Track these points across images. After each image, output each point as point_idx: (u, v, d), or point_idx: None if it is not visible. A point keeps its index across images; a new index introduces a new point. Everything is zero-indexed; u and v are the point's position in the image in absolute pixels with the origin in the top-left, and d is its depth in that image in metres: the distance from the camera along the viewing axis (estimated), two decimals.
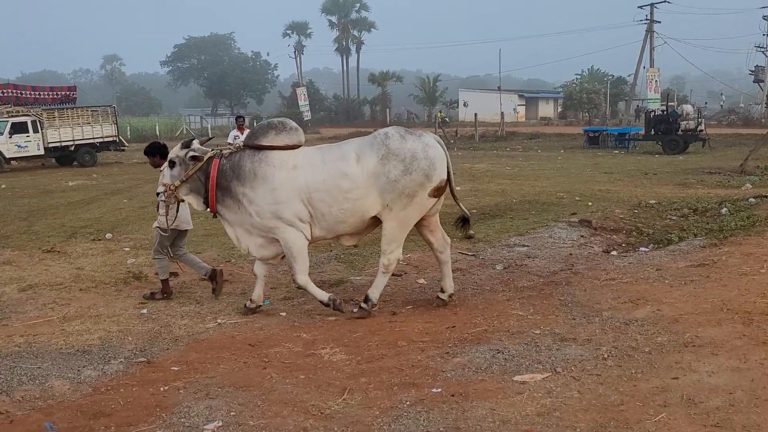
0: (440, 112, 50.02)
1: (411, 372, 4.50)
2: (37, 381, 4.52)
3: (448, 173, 5.77)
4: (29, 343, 5.31)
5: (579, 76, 57.56)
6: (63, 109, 26.18)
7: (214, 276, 6.64)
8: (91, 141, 25.49)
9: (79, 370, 4.71)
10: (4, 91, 27.78)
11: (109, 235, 9.93)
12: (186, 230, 6.90)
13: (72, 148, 24.94)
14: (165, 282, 6.65)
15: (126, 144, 29.03)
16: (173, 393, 4.31)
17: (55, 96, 29.31)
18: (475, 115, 37.27)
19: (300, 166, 5.66)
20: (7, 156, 23.07)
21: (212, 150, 6.04)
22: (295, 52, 65.92)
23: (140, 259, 8.32)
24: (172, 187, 6.02)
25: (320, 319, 5.86)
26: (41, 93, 29.12)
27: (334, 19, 68.57)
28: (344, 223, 5.76)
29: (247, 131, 13.45)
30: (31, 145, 23.69)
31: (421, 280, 7.10)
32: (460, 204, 6.30)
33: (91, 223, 11.19)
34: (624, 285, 6.13)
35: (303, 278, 5.92)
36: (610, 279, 6.46)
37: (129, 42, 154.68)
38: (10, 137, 23.07)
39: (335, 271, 7.61)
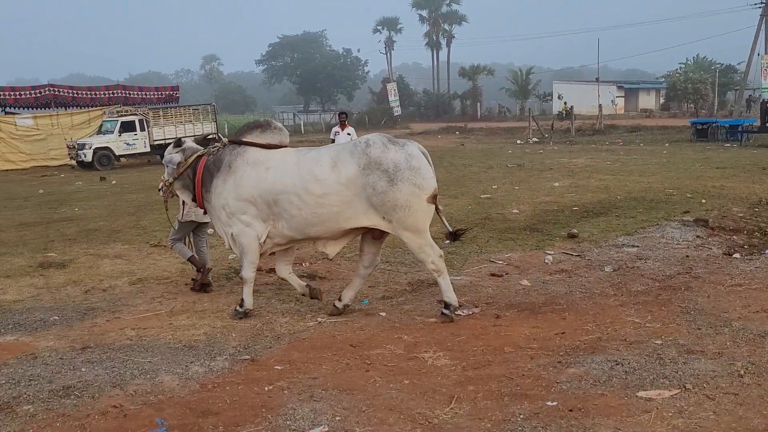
0: (565, 103, 48.35)
1: (522, 382, 4.25)
2: (148, 375, 4.61)
3: None
4: (140, 337, 5.45)
5: (683, 65, 54.48)
6: (167, 108, 27.43)
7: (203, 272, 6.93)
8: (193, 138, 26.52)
9: (186, 366, 4.77)
10: (114, 91, 29.50)
11: (211, 231, 10.17)
12: (205, 222, 7.02)
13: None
14: (192, 258, 6.99)
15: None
16: (278, 393, 4.27)
17: (160, 96, 30.82)
18: (572, 107, 35.99)
19: (273, 167, 5.67)
20: (117, 153, 24.42)
21: (210, 147, 6.16)
22: (385, 47, 66.23)
23: None
24: (167, 183, 6.31)
25: (421, 321, 5.69)
26: (147, 93, 30.70)
27: (424, 13, 68.29)
28: (316, 227, 5.66)
29: (348, 128, 13.55)
30: (138, 142, 24.96)
31: (525, 282, 6.79)
32: (443, 217, 6.05)
33: None
34: (753, 292, 5.60)
35: (249, 273, 5.94)
36: (736, 285, 5.92)
37: (227, 42, 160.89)
38: (120, 135, 24.42)
39: None
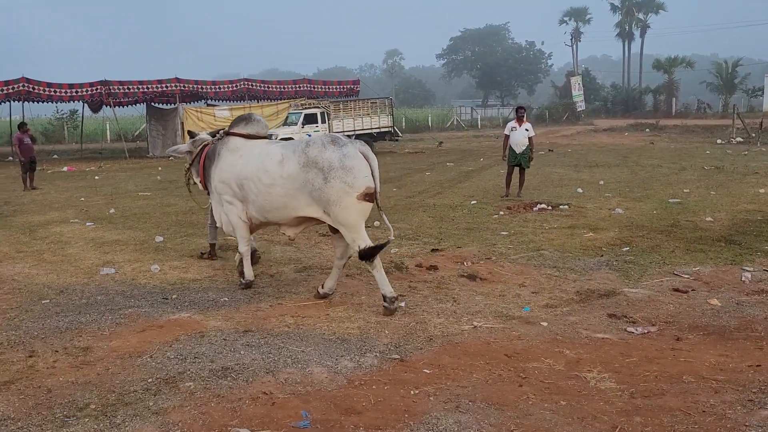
0: None
1: (700, 420, 3.66)
2: (300, 365, 4.65)
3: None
4: (298, 325, 5.56)
5: None
6: (347, 101, 28.50)
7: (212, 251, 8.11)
8: (369, 131, 27.32)
9: (337, 359, 4.76)
10: (300, 85, 31.30)
11: (376, 224, 10.29)
12: None
13: (353, 138, 26.97)
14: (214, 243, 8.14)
15: (400, 134, 30.65)
16: (423, 399, 4.08)
17: (342, 89, 32.18)
18: None
19: (244, 155, 6.39)
20: None
21: (213, 138, 6.88)
22: (571, 39, 63.52)
23: (403, 249, 8.41)
24: (186, 169, 7.45)
25: (587, 336, 5.19)
26: (330, 87, 32.22)
27: (616, 2, 64.37)
28: (271, 213, 6.30)
29: (526, 124, 13.03)
30: (319, 134, 26.20)
31: (714, 301, 5.96)
32: (383, 216, 6.18)
33: None
34: None
35: (243, 248, 6.72)
36: None
37: (409, 37, 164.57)
38: (303, 127, 25.80)
39: (606, 280, 6.79)
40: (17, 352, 5.01)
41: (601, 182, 14.86)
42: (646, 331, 5.24)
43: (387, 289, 5.89)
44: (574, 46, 64.37)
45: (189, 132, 7.70)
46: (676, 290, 6.38)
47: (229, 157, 6.50)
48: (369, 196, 5.87)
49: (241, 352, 4.88)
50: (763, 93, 52.94)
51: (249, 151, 6.39)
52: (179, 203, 13.42)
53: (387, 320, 5.65)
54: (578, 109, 53.30)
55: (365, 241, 5.89)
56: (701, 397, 3.95)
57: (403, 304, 6.08)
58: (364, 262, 5.92)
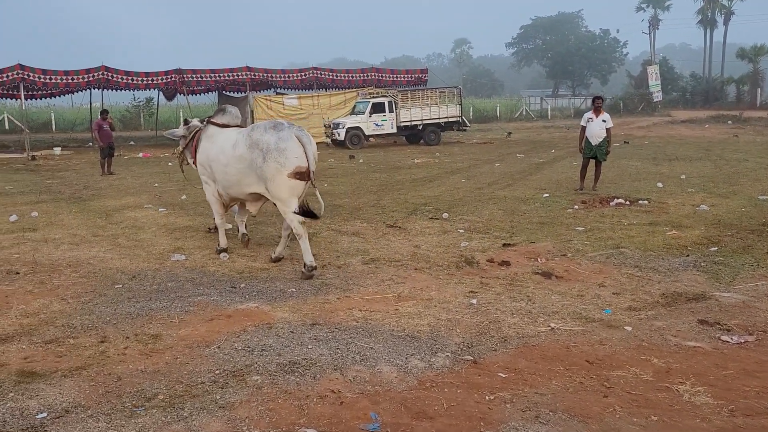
0: None
1: None
2: (369, 362, 4.49)
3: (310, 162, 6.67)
4: (366, 320, 5.40)
5: None
6: (414, 90, 28.17)
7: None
8: (437, 121, 26.94)
9: (407, 358, 4.56)
10: (368, 74, 31.18)
11: (445, 215, 10.05)
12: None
13: (420, 128, 26.69)
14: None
15: (468, 124, 30.11)
16: (499, 406, 3.84)
17: (409, 78, 31.86)
18: None
19: (215, 141, 7.41)
20: (367, 133, 25.73)
21: (203, 125, 7.83)
22: (649, 27, 60.93)
23: (473, 243, 8.13)
24: (179, 152, 8.41)
25: (676, 343, 4.81)
26: (397, 76, 31.96)
27: None
28: (231, 189, 7.31)
29: (604, 114, 12.45)
30: (387, 123, 26.03)
31: None
32: (317, 192, 6.97)
33: (430, 201, 11.54)
34: None
35: (218, 220, 7.91)
36: None
37: (478, 26, 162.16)
38: (370, 116, 25.68)
39: (694, 283, 6.33)
40: (90, 337, 5.05)
41: (683, 176, 14.09)
42: (742, 341, 4.81)
43: (308, 258, 6.71)
44: (652, 34, 61.76)
45: (185, 120, 8.59)
46: None
47: (205, 142, 7.59)
48: (300, 175, 6.66)
49: (309, 347, 4.76)
50: None
51: (218, 137, 7.40)
52: None
53: (458, 318, 5.41)
54: (654, 100, 51.14)
55: (296, 219, 6.79)
56: None
57: (474, 301, 5.82)
58: (296, 233, 6.82)
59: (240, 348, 4.73)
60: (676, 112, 46.55)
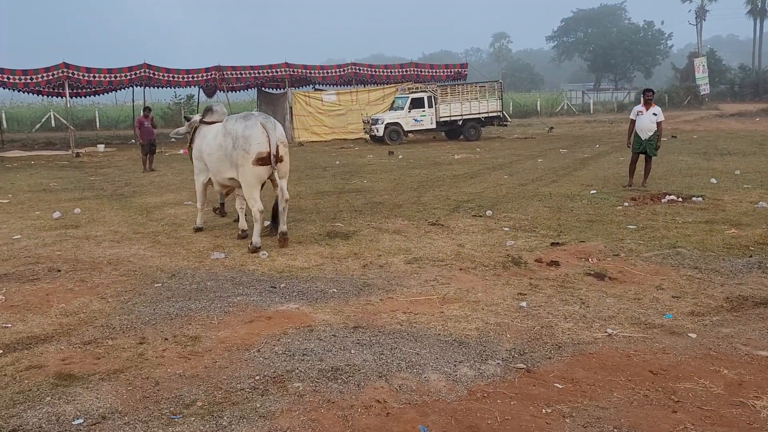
0: None
1: None
2: (415, 369, 4.25)
3: (276, 149, 7.47)
4: (410, 323, 5.17)
5: None
6: (454, 85, 27.79)
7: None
8: (477, 116, 26.51)
9: (455, 365, 4.32)
10: (407, 69, 30.90)
11: (489, 212, 9.75)
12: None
13: (459, 123, 26.31)
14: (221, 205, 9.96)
15: (509, 119, 29.59)
16: (557, 420, 3.57)
17: (449, 73, 31.49)
18: None
19: (204, 136, 8.32)
20: (406, 129, 25.47)
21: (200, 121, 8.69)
22: (696, 17, 59.06)
23: (519, 242, 7.82)
24: (189, 146, 8.96)
25: (746, 353, 4.45)
26: (437, 70, 31.61)
27: None
28: (217, 175, 8.13)
29: (655, 107, 11.94)
30: (426, 119, 25.72)
31: None
32: (279, 180, 7.74)
33: (472, 198, 11.24)
34: None
35: (198, 205, 9.00)
36: None
37: (517, 19, 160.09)
38: (409, 112, 25.40)
39: (761, 286, 5.92)
40: (128, 338, 4.94)
41: (737, 172, 13.46)
42: None
43: (256, 239, 7.59)
44: (699, 25, 59.85)
45: (185, 116, 9.37)
46: None
47: (198, 139, 8.52)
48: (262, 160, 7.42)
49: (352, 351, 4.55)
50: None
51: (207, 132, 8.26)
52: (289, 188, 13.39)
53: (508, 322, 5.14)
54: (702, 93, 49.59)
55: (257, 202, 7.59)
56: None
57: (524, 304, 5.53)
58: (255, 217, 7.56)
59: (280, 352, 4.55)
60: (725, 106, 45.06)
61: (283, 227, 7.86)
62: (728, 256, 6.97)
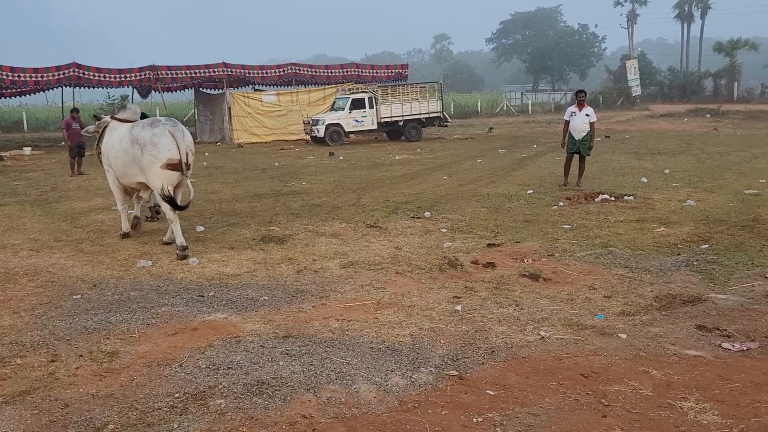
0: None
1: None
2: (345, 380, 4.10)
3: (186, 156, 7.48)
4: (343, 330, 5.01)
5: None
6: (395, 85, 27.77)
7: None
8: (418, 116, 26.56)
9: (387, 375, 4.19)
10: (348, 70, 30.73)
11: (427, 214, 9.69)
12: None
13: (401, 123, 26.30)
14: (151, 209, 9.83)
15: (449, 120, 29.79)
16: (488, 430, 3.49)
17: (390, 74, 31.48)
18: None
19: (112, 134, 8.16)
20: (347, 130, 25.27)
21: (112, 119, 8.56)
22: (627, 21, 61.03)
23: (457, 243, 7.78)
24: (96, 145, 8.74)
25: (675, 352, 4.49)
26: (377, 71, 31.56)
27: None
28: (123, 178, 8.07)
29: (587, 108, 12.15)
30: (367, 120, 25.59)
31: None
32: (188, 181, 7.70)
33: (412, 199, 11.17)
34: None
35: (119, 207, 8.61)
36: None
37: (458, 21, 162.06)
38: (350, 112, 25.23)
39: (688, 284, 6.03)
40: (39, 355, 4.61)
41: (667, 171, 13.87)
42: (745, 348, 4.51)
43: (180, 240, 7.48)
44: (630, 29, 61.84)
45: (94, 115, 9.33)
46: None
47: (107, 136, 8.33)
48: (172, 166, 7.41)
49: (280, 363, 4.36)
50: None
51: (115, 131, 8.09)
52: (224, 190, 13.09)
53: (442, 327, 5.05)
54: (633, 94, 51.26)
55: (166, 205, 7.55)
56: None
57: (459, 308, 5.46)
58: (169, 218, 7.62)
59: (204, 366, 4.32)
60: (655, 106, 46.66)
61: (171, 234, 7.95)
62: (658, 254, 7.09)
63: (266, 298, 5.87)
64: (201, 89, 31.07)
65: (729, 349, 4.50)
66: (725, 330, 4.86)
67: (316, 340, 4.81)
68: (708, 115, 36.19)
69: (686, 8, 61.79)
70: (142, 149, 7.44)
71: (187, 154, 7.51)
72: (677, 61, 63.07)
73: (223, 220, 9.78)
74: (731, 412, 3.58)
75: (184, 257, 7.30)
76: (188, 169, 7.62)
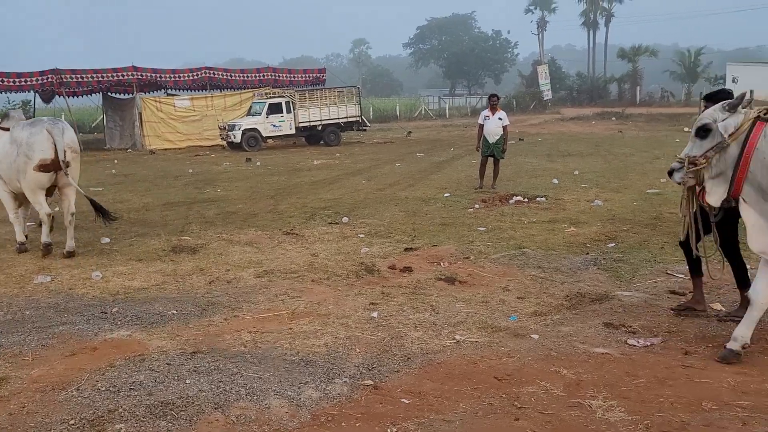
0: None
1: None
2: (256, 396, 3.94)
3: (63, 154, 7.33)
4: (255, 343, 4.84)
5: None
6: (313, 90, 27.57)
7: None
8: (337, 121, 26.47)
9: (300, 388, 4.06)
10: (265, 74, 30.23)
11: (345, 219, 9.60)
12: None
13: (319, 128, 26.13)
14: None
15: (368, 124, 29.86)
16: None
17: (307, 78, 31.18)
18: (751, 92, 31.81)
19: None
20: (264, 135, 24.87)
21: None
22: (537, 28, 63.24)
23: (374, 249, 7.73)
24: None
25: (584, 351, 4.58)
26: (295, 75, 31.20)
27: None
28: (9, 183, 7.72)
29: (500, 112, 12.42)
30: (285, 124, 25.28)
31: (717, 305, 5.42)
32: (72, 180, 7.61)
33: (330, 205, 11.06)
34: None
35: (11, 216, 8.07)
36: None
37: (376, 26, 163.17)
38: (267, 117, 24.84)
39: (596, 282, 6.22)
40: None
41: (576, 172, 14.38)
42: (649, 344, 4.66)
43: (45, 239, 7.66)
44: (540, 35, 64.11)
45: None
46: (673, 293, 5.85)
47: None
48: (44, 167, 7.29)
49: (187, 381, 4.15)
50: (724, 81, 53.41)
51: (1, 138, 7.70)
52: (133, 199, 12.54)
53: (358, 335, 4.96)
54: (545, 98, 53.08)
55: (43, 206, 7.57)
56: (729, 431, 3.37)
57: (375, 314, 5.40)
58: (42, 213, 7.58)
59: (104, 389, 4.05)
60: (565, 110, 48.46)
61: (70, 243, 7.70)
62: (568, 254, 7.29)
63: (175, 312, 5.61)
64: (110, 94, 29.76)
65: (634, 345, 4.64)
66: (630, 326, 5.02)
67: (226, 354, 4.62)
68: (614, 118, 37.89)
69: (591, 16, 64.63)
70: (18, 149, 7.31)
71: (65, 152, 7.33)
72: (585, 67, 65.83)
73: (131, 230, 9.34)
74: (637, 408, 3.68)
75: (22, 251, 7.77)
76: (67, 167, 7.41)
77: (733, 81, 48.13)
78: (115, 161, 21.63)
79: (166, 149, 26.17)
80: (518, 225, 8.91)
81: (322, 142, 26.21)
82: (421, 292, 6.07)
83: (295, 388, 4.05)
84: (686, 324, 5.06)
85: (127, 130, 28.06)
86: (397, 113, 48.85)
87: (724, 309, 5.32)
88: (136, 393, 3.98)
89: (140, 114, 27.14)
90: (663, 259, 6.93)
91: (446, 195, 11.70)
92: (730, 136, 4.16)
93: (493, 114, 12.37)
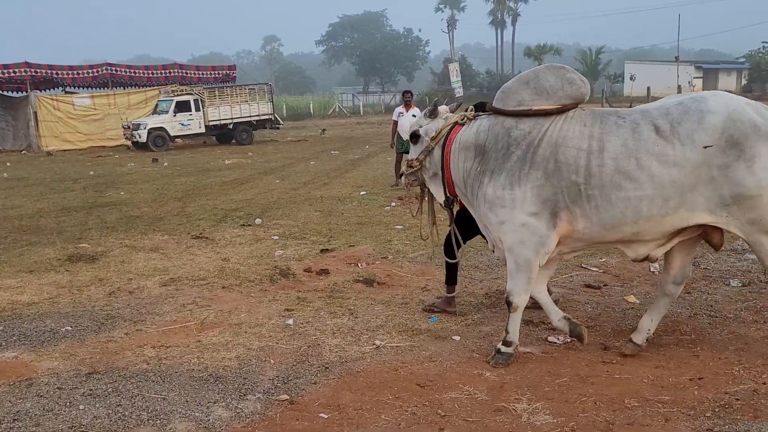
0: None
1: None
2: (159, 420, 3.59)
3: None
4: (160, 359, 4.46)
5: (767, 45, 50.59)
6: (223, 87, 26.76)
7: None
8: (248, 119, 25.80)
9: (209, 407, 3.74)
10: (171, 71, 29.05)
11: (258, 221, 9.23)
12: None
13: (230, 126, 25.38)
14: None
15: (281, 122, 29.30)
16: None
17: (217, 75, 30.23)
18: (648, 89, 33.70)
19: None
20: (172, 134, 23.89)
21: None
22: (447, 26, 64.19)
23: (289, 251, 7.43)
24: None
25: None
26: (204, 72, 30.16)
27: None
28: None
29: (414, 109, 12.33)
30: (193, 123, 24.39)
31: (631, 298, 5.49)
32: None
33: (242, 206, 10.63)
34: None
35: None
36: None
37: (288, 23, 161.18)
38: (175, 116, 23.87)
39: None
40: None
41: None
42: (569, 340, 4.63)
43: None
44: (451, 33, 65.13)
45: None
46: (589, 286, 5.90)
47: None
48: None
49: (80, 408, 3.74)
50: (623, 79, 56.25)
51: None
52: (26, 204, 11.63)
53: (273, 345, 4.68)
54: (456, 95, 53.99)
55: None
56: (652, 428, 3.33)
57: (291, 322, 5.12)
58: None
59: None
60: None
61: None
62: (485, 250, 7.24)
63: (69, 328, 5.11)
64: (0, 92, 27.74)
65: (554, 343, 4.61)
66: (549, 323, 4.97)
67: (126, 374, 4.22)
68: None
69: (499, 15, 66.45)
70: None
71: None
72: (494, 65, 67.65)
73: (22, 238, 8.60)
74: (561, 410, 3.60)
75: None
76: None
77: (631, 78, 50.80)
78: (8, 164, 20.13)
79: (65, 150, 24.67)
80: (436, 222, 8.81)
81: (233, 141, 25.49)
82: (338, 295, 5.83)
83: (204, 409, 3.73)
84: (603, 318, 5.08)
85: (21, 130, 26.25)
86: (311, 111, 48.41)
87: (638, 301, 5.39)
88: (20, 424, 3.55)
89: (35, 113, 25.44)
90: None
91: (362, 193, 11.52)
92: (432, 139, 4.55)
93: (407, 110, 12.29)
